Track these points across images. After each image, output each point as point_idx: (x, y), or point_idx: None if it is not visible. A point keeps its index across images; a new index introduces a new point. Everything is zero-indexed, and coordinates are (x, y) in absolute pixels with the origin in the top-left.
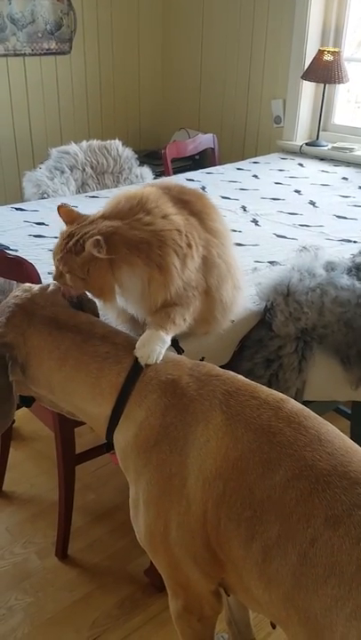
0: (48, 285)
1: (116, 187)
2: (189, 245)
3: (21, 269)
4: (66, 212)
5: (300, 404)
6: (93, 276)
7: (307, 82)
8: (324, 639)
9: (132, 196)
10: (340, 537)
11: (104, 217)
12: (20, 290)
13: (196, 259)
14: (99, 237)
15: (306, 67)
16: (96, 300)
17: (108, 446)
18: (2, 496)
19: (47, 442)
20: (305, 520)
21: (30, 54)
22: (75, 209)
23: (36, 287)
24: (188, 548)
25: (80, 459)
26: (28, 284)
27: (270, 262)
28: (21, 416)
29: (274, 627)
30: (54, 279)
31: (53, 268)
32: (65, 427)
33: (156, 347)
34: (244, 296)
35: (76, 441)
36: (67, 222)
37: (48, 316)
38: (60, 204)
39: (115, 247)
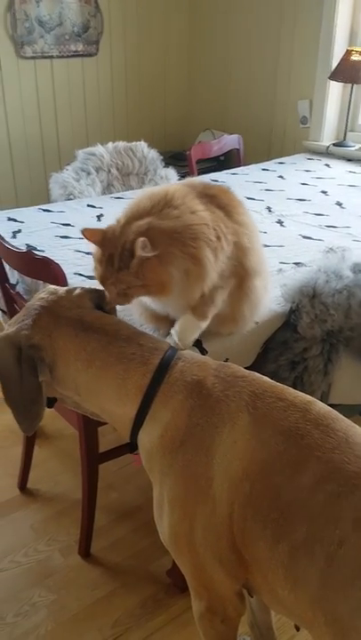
0: (75, 288)
1: (141, 188)
2: (218, 237)
3: (48, 270)
4: (91, 233)
5: (327, 407)
6: (149, 277)
7: (334, 82)
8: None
9: (156, 193)
10: None
11: (128, 220)
12: (46, 292)
13: (226, 249)
14: (142, 238)
15: (333, 67)
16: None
17: (131, 447)
18: (26, 493)
19: (71, 440)
20: (333, 522)
21: (58, 56)
22: (97, 227)
23: (61, 290)
24: (214, 549)
25: (103, 458)
26: (53, 287)
27: (296, 264)
28: (46, 415)
29: (298, 629)
30: (112, 302)
31: (107, 294)
32: (89, 426)
33: (193, 332)
34: (270, 296)
35: (100, 440)
36: (96, 243)
37: (74, 317)
38: (82, 229)
39: (155, 241)
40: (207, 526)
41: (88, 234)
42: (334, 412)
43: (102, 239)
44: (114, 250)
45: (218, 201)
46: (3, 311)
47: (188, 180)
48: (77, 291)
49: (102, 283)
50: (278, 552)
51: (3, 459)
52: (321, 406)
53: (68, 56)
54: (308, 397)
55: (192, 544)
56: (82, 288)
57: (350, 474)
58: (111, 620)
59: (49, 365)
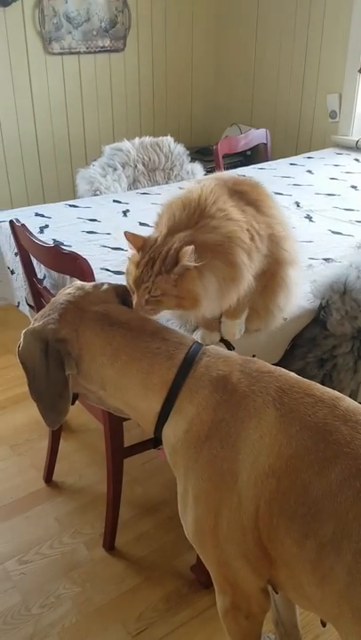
0: (102, 284)
1: (167, 183)
2: (252, 238)
3: (75, 265)
4: (133, 238)
5: (356, 403)
6: (186, 288)
7: None
8: None
9: (188, 200)
10: None
11: (170, 231)
12: (73, 288)
13: (260, 247)
14: (191, 247)
15: None
16: None
17: (155, 442)
18: (52, 486)
19: (96, 434)
20: None
21: (85, 52)
22: (138, 234)
23: (88, 285)
24: (239, 544)
25: (128, 452)
26: (80, 283)
27: (325, 259)
28: (71, 409)
29: (324, 625)
30: (138, 309)
31: (134, 299)
32: (114, 420)
33: (235, 330)
34: (301, 289)
35: (125, 434)
36: (136, 247)
37: (100, 312)
38: (125, 231)
39: (200, 254)
40: (232, 522)
41: (131, 237)
42: None
43: (143, 245)
44: (155, 255)
45: (247, 197)
46: (30, 306)
47: (218, 175)
48: (104, 286)
49: (136, 286)
50: (306, 548)
51: (29, 451)
52: (350, 402)
53: (95, 52)
54: (337, 393)
55: (217, 539)
56: (108, 284)
57: None
58: (135, 613)
59: (75, 359)
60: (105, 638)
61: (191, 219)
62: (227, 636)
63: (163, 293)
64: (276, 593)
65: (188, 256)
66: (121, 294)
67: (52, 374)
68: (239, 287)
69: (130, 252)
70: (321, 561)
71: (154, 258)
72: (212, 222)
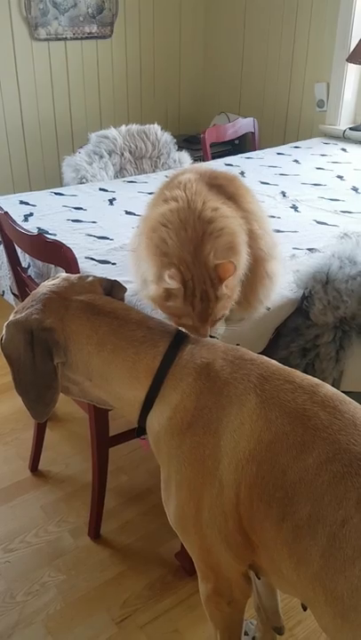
0: (87, 276)
1: (154, 172)
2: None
3: (59, 254)
4: (175, 276)
5: (335, 390)
6: (231, 289)
7: (352, 64)
8: (350, 619)
9: (183, 216)
10: None
11: (192, 255)
12: (58, 279)
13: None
14: (229, 263)
15: (351, 49)
16: (132, 285)
17: (139, 431)
18: (37, 475)
19: (82, 423)
20: (336, 502)
21: (72, 38)
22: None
23: (73, 276)
24: (220, 529)
25: (113, 441)
26: (66, 274)
27: (309, 249)
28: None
29: (305, 609)
30: (205, 337)
31: (198, 332)
32: (99, 409)
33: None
34: (283, 281)
35: (110, 424)
36: (181, 283)
37: (85, 301)
38: (169, 271)
39: (224, 256)
40: (214, 507)
41: (172, 276)
42: (342, 395)
43: (183, 279)
44: (203, 285)
45: (226, 191)
46: (15, 295)
47: (194, 167)
48: (89, 278)
49: (204, 321)
50: (283, 531)
51: (15, 441)
52: (329, 389)
53: (82, 38)
54: (316, 380)
55: (199, 525)
56: (94, 276)
57: (356, 455)
58: (120, 600)
59: (63, 349)
60: (89, 625)
61: (197, 231)
62: (209, 622)
63: (225, 309)
64: (258, 578)
65: (230, 271)
66: (106, 287)
67: (38, 365)
68: (255, 290)
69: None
70: (297, 544)
71: (204, 290)
72: (216, 225)
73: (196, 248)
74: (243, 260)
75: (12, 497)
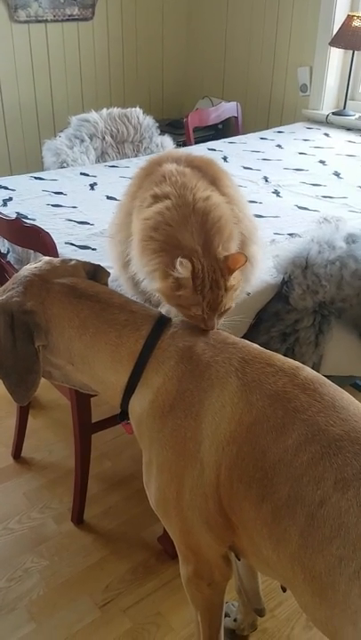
0: (70, 260)
1: (136, 156)
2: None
3: (38, 238)
4: (186, 266)
5: (315, 372)
6: (238, 278)
7: (335, 48)
8: (327, 597)
9: (177, 206)
10: (348, 499)
11: (200, 245)
12: (41, 262)
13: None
14: (240, 254)
15: (334, 33)
16: (111, 272)
17: (122, 415)
18: (20, 462)
19: (65, 410)
20: (315, 482)
21: (52, 20)
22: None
23: (56, 260)
24: (201, 511)
25: (96, 428)
26: (48, 258)
27: (290, 234)
28: (40, 386)
29: (284, 590)
30: (212, 329)
31: (206, 323)
32: (81, 396)
33: None
34: (263, 265)
35: (93, 410)
36: (191, 274)
37: (67, 284)
38: (180, 259)
39: (225, 248)
40: (195, 489)
41: (182, 265)
42: (322, 378)
43: (193, 270)
44: (213, 275)
45: (206, 175)
46: None
47: (170, 154)
48: (72, 262)
49: (214, 310)
50: (262, 512)
51: None
52: (309, 372)
53: (62, 20)
54: (297, 363)
55: (180, 507)
56: (77, 260)
57: (335, 436)
58: (102, 585)
59: (45, 332)
60: (72, 610)
61: (198, 223)
62: (190, 605)
63: (232, 300)
64: (239, 560)
65: (242, 262)
66: (89, 271)
67: (19, 348)
68: None
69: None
70: (276, 524)
71: (215, 279)
72: (214, 215)
73: (205, 240)
74: (237, 244)
75: None
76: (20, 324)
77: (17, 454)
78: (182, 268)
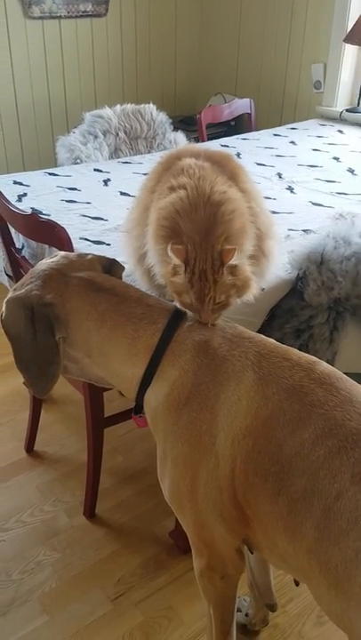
0: (86, 254)
1: (149, 152)
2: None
3: (53, 233)
4: (177, 251)
5: (331, 367)
6: (241, 280)
7: (349, 45)
8: (343, 589)
9: (193, 200)
10: None
11: (201, 236)
12: (57, 256)
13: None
14: (232, 247)
15: (348, 29)
16: (125, 267)
17: (137, 409)
18: (33, 456)
19: (77, 405)
20: (331, 476)
21: (66, 17)
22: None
23: (73, 254)
24: (216, 504)
25: (108, 422)
26: (64, 252)
27: (304, 230)
28: None
29: (297, 584)
30: (207, 320)
31: (200, 316)
32: (94, 390)
33: None
34: (278, 261)
35: (106, 405)
36: (182, 260)
37: (85, 278)
38: (172, 243)
39: (236, 240)
40: (209, 482)
41: (174, 251)
42: (339, 372)
43: (186, 257)
44: (203, 265)
45: (224, 170)
46: (9, 276)
47: (187, 148)
48: (88, 256)
49: (201, 301)
50: (278, 505)
51: (11, 422)
52: (325, 366)
53: (76, 16)
54: (313, 358)
55: (194, 500)
56: (93, 254)
57: (352, 430)
58: (114, 578)
59: (64, 324)
60: (84, 602)
61: (207, 213)
62: (203, 598)
63: (227, 296)
64: (252, 553)
65: (231, 257)
66: (105, 265)
67: (40, 341)
68: (255, 262)
69: (161, 268)
70: (292, 517)
71: (203, 269)
72: (227, 207)
73: (207, 230)
74: (251, 239)
75: (7, 477)
76: (41, 316)
77: (30, 448)
78: (173, 254)
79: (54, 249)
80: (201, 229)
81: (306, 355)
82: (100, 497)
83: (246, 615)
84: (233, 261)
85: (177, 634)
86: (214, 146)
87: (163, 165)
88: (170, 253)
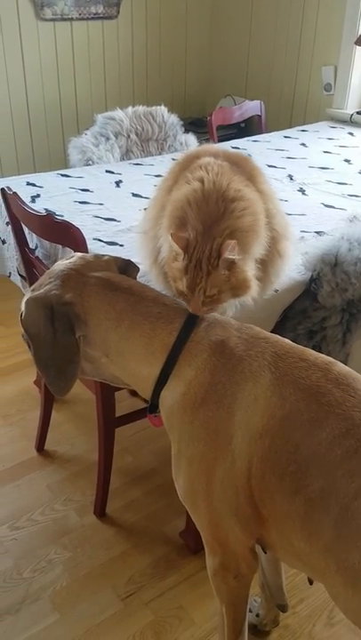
0: (103, 255)
1: (160, 154)
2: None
3: (68, 234)
4: (177, 238)
5: (348, 368)
6: (239, 278)
7: (360, 48)
8: (360, 587)
9: (207, 192)
10: None
11: (205, 227)
12: (74, 257)
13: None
14: (233, 241)
15: (360, 32)
16: (140, 267)
17: (152, 408)
18: (43, 455)
19: (87, 405)
20: (349, 475)
21: (77, 19)
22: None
23: (89, 255)
24: (231, 503)
25: (119, 422)
26: (81, 254)
27: (317, 232)
28: None
29: (311, 582)
30: (196, 311)
31: (190, 305)
32: (106, 390)
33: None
34: (293, 262)
35: (116, 405)
36: (181, 248)
37: (103, 278)
38: (172, 232)
39: (241, 239)
40: (225, 481)
41: (176, 238)
42: (355, 373)
43: (187, 245)
44: (200, 254)
45: (243, 171)
46: (22, 276)
47: (206, 148)
48: (105, 257)
49: (190, 290)
50: (295, 504)
51: (21, 421)
52: (342, 367)
53: (88, 18)
54: (329, 358)
55: (209, 499)
56: (109, 255)
57: None
58: (125, 578)
59: (83, 323)
60: (95, 601)
61: (218, 207)
62: (215, 597)
63: (219, 291)
64: (265, 553)
65: (230, 250)
66: (121, 266)
67: (60, 340)
68: (266, 269)
69: (166, 254)
70: (309, 516)
71: (200, 259)
72: (239, 204)
73: (213, 222)
74: (261, 242)
75: (18, 476)
76: (61, 315)
77: (40, 447)
78: (173, 240)
79: (68, 249)
80: (207, 220)
81: (322, 355)
82: (110, 496)
83: (257, 615)
84: (231, 256)
85: (188, 633)
86: (225, 148)
87: (180, 165)
88: (170, 239)
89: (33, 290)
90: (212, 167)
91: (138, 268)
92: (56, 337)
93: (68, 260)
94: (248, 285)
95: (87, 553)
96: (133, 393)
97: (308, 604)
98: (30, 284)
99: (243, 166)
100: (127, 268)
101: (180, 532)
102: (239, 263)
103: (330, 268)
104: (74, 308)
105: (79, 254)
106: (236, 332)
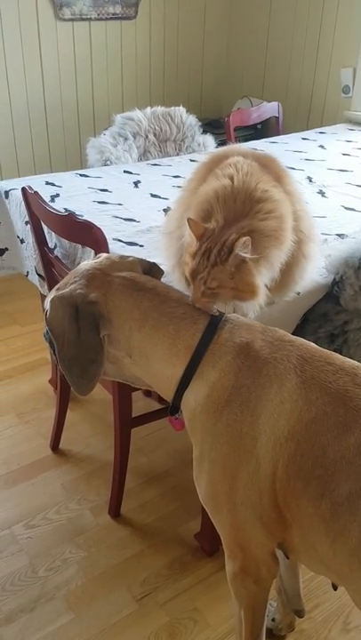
0: (128, 256)
1: (178, 155)
2: (294, 219)
3: (90, 234)
4: (195, 226)
5: None
6: (243, 281)
7: None
8: None
9: (236, 189)
10: None
11: (227, 221)
12: (101, 257)
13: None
14: (247, 238)
15: None
16: (163, 267)
17: (173, 409)
18: (58, 454)
19: (102, 405)
20: None
21: (96, 19)
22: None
23: (115, 255)
24: (255, 507)
25: (136, 422)
26: (107, 254)
27: (338, 235)
28: None
29: (335, 588)
30: (195, 301)
31: (190, 292)
32: (123, 390)
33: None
34: (317, 263)
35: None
36: (196, 236)
37: (127, 277)
38: (189, 218)
39: (258, 242)
40: (249, 484)
41: (193, 224)
42: None
43: (202, 234)
44: (212, 245)
45: (271, 172)
46: (40, 275)
47: (234, 148)
48: (130, 258)
49: (192, 277)
50: (321, 508)
51: (36, 420)
52: None
53: (106, 19)
54: (357, 363)
55: (232, 502)
56: (134, 257)
57: None
58: (140, 578)
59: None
60: (110, 601)
61: (244, 206)
62: (234, 601)
63: (219, 285)
64: (288, 558)
65: (242, 246)
66: (145, 267)
67: (84, 339)
68: (291, 271)
69: (188, 239)
70: (335, 520)
71: (210, 248)
72: (265, 206)
73: (235, 220)
74: (286, 246)
75: (33, 474)
76: (86, 314)
77: (55, 446)
78: (189, 225)
79: (87, 249)
80: (230, 217)
81: (349, 360)
82: (125, 497)
83: (273, 620)
84: (242, 254)
85: (203, 635)
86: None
87: (207, 166)
88: (187, 225)
89: (58, 289)
90: (242, 166)
91: (162, 271)
92: (80, 336)
93: (93, 260)
94: (253, 291)
95: (102, 553)
96: (148, 393)
97: (324, 609)
98: (49, 284)
99: (271, 167)
100: (151, 269)
101: (195, 535)
102: (250, 264)
103: (353, 271)
104: (98, 307)
105: (105, 255)
106: (260, 334)
